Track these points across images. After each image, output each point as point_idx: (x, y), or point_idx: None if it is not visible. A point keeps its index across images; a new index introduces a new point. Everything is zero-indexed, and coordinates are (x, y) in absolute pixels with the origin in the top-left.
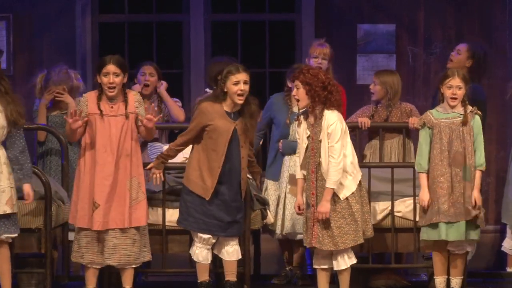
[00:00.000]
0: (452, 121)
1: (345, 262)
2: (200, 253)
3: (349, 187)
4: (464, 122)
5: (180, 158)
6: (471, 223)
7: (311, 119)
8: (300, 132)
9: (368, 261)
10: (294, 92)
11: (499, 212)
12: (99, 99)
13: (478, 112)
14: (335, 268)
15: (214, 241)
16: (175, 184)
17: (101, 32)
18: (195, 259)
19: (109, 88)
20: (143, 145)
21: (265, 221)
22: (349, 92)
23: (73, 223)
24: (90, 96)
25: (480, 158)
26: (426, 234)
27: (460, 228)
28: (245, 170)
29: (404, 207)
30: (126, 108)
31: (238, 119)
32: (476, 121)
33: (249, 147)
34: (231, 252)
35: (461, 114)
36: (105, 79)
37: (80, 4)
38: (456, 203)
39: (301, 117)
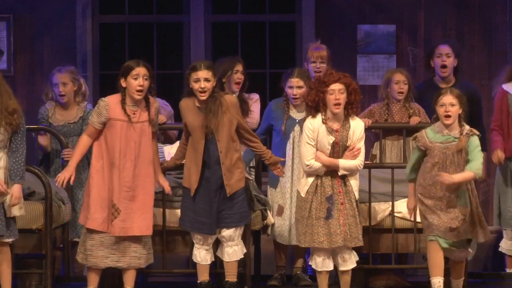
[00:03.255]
0: (447, 145)
1: (353, 261)
2: (199, 253)
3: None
4: (459, 148)
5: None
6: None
7: (334, 124)
8: (322, 138)
9: (368, 262)
10: (337, 96)
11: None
12: (123, 103)
13: (476, 132)
14: (343, 268)
15: (211, 240)
16: (175, 184)
17: (101, 32)
18: (194, 259)
19: (138, 91)
20: None
21: (265, 221)
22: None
23: (83, 223)
24: (112, 101)
25: (475, 165)
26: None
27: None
28: (226, 164)
29: (404, 207)
30: (149, 114)
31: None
32: (472, 142)
33: (245, 133)
34: (231, 253)
35: (455, 138)
36: (135, 82)
37: (80, 4)
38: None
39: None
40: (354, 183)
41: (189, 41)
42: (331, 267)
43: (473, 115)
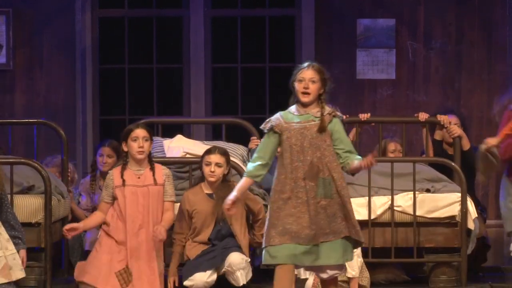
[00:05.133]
0: (305, 125)
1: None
2: None
3: None
4: (320, 129)
5: (180, 152)
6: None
7: None
8: None
9: (368, 256)
10: None
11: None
12: (123, 169)
13: (338, 113)
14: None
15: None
16: (175, 178)
17: (101, 27)
18: None
19: (139, 152)
20: None
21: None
22: (349, 87)
23: (80, 279)
24: (116, 171)
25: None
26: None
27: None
28: (242, 241)
29: (404, 201)
30: (154, 175)
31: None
32: (336, 123)
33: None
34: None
35: (316, 118)
36: (134, 144)
37: None
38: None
39: None
40: None
41: (188, 35)
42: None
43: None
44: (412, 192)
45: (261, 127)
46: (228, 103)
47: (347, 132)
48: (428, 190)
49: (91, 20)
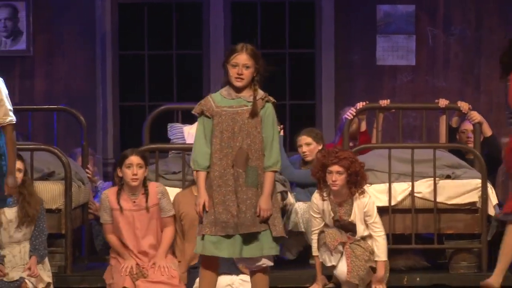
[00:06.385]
0: (237, 110)
1: None
2: None
3: None
4: (252, 113)
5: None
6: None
7: (338, 200)
8: (325, 213)
9: (388, 242)
10: (334, 178)
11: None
12: (118, 194)
13: (271, 98)
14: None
15: None
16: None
17: (120, 13)
18: None
19: (133, 180)
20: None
21: (284, 202)
22: (369, 73)
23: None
24: (111, 193)
25: (272, 156)
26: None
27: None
28: None
29: (424, 188)
30: (146, 201)
31: None
32: (267, 108)
33: None
34: None
35: (248, 102)
36: (128, 171)
37: None
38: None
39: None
40: None
41: (208, 21)
42: None
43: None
44: (433, 179)
45: (192, 111)
46: None
47: (369, 120)
48: (448, 177)
49: (110, 6)
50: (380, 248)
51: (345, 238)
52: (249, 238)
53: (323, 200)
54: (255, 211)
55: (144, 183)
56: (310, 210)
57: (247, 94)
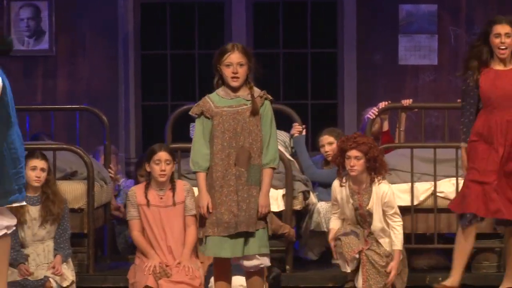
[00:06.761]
0: (237, 109)
1: None
2: None
3: None
4: (253, 111)
5: None
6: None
7: (357, 188)
8: (344, 201)
9: (410, 241)
10: (353, 163)
11: None
12: (146, 189)
13: (269, 96)
14: None
15: None
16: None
17: (143, 12)
18: None
19: (161, 175)
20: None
21: (307, 201)
22: (391, 73)
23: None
24: (138, 188)
25: (269, 153)
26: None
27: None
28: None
29: (446, 187)
30: (173, 196)
31: None
32: (266, 106)
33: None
34: None
35: (247, 101)
36: (156, 167)
37: None
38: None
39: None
40: None
41: (230, 21)
42: None
43: None
44: (455, 178)
45: (190, 112)
46: (270, 89)
47: (391, 120)
48: None
49: (133, 6)
50: (397, 237)
51: (363, 243)
52: (248, 236)
53: (342, 185)
54: (257, 209)
55: (171, 179)
56: (331, 200)
57: (244, 92)
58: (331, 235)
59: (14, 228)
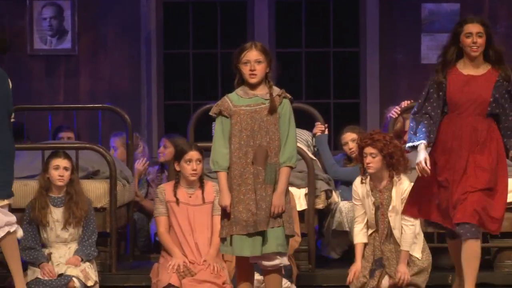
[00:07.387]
0: (255, 109)
1: None
2: None
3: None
4: (271, 110)
5: None
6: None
7: (377, 185)
8: (365, 198)
9: (433, 241)
10: (368, 160)
11: None
12: (176, 187)
13: (287, 95)
14: None
15: None
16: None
17: (165, 11)
18: None
19: (192, 174)
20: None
21: (329, 200)
22: (413, 72)
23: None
24: (167, 186)
25: (286, 152)
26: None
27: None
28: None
29: None
30: (203, 194)
31: None
32: (285, 105)
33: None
34: None
35: (265, 100)
36: (188, 166)
37: None
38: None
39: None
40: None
41: (252, 20)
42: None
43: None
44: None
45: (210, 112)
46: (292, 88)
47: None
48: None
49: (155, 5)
50: (405, 238)
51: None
52: (267, 235)
53: (362, 183)
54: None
55: (201, 177)
56: (352, 199)
57: (263, 91)
58: (351, 276)
59: (16, 225)
